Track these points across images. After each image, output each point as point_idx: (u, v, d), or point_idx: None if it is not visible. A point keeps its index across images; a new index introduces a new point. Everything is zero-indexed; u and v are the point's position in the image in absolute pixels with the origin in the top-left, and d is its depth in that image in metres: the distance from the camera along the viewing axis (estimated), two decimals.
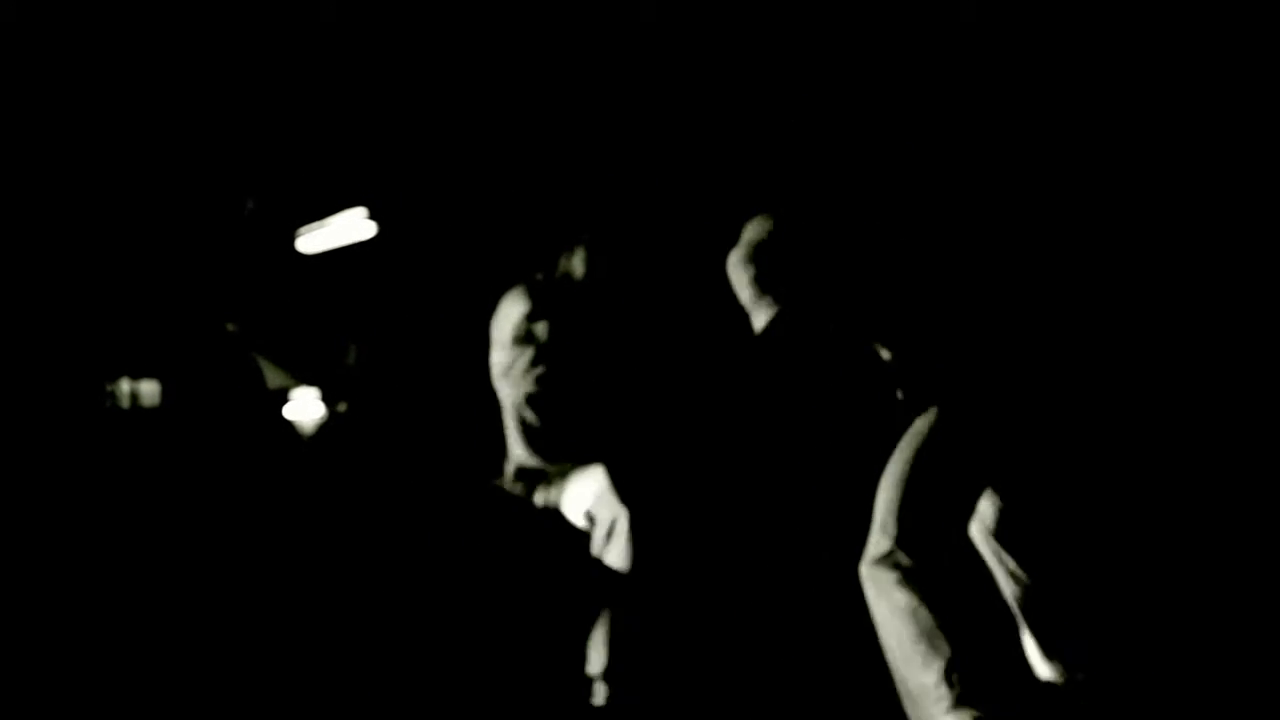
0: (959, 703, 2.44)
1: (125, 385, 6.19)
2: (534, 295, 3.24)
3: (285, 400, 7.10)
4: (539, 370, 3.30)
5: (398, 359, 7.24)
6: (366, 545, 5.16)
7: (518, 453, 3.36)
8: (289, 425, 7.02)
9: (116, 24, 5.51)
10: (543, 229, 6.13)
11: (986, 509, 2.63)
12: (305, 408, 7.17)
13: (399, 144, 6.67)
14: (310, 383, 7.25)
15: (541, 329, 3.26)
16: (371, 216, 7.17)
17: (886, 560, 2.51)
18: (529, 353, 3.30)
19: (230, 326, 6.82)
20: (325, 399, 7.21)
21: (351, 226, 7.25)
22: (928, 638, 2.42)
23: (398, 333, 7.30)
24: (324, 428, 7.12)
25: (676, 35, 4.85)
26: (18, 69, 5.65)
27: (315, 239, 7.45)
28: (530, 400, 3.33)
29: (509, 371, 3.34)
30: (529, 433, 3.33)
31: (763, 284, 2.57)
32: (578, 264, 3.34)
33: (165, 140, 6.58)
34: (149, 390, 6.24)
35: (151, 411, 6.17)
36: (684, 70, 4.92)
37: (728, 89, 4.74)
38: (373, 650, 3.50)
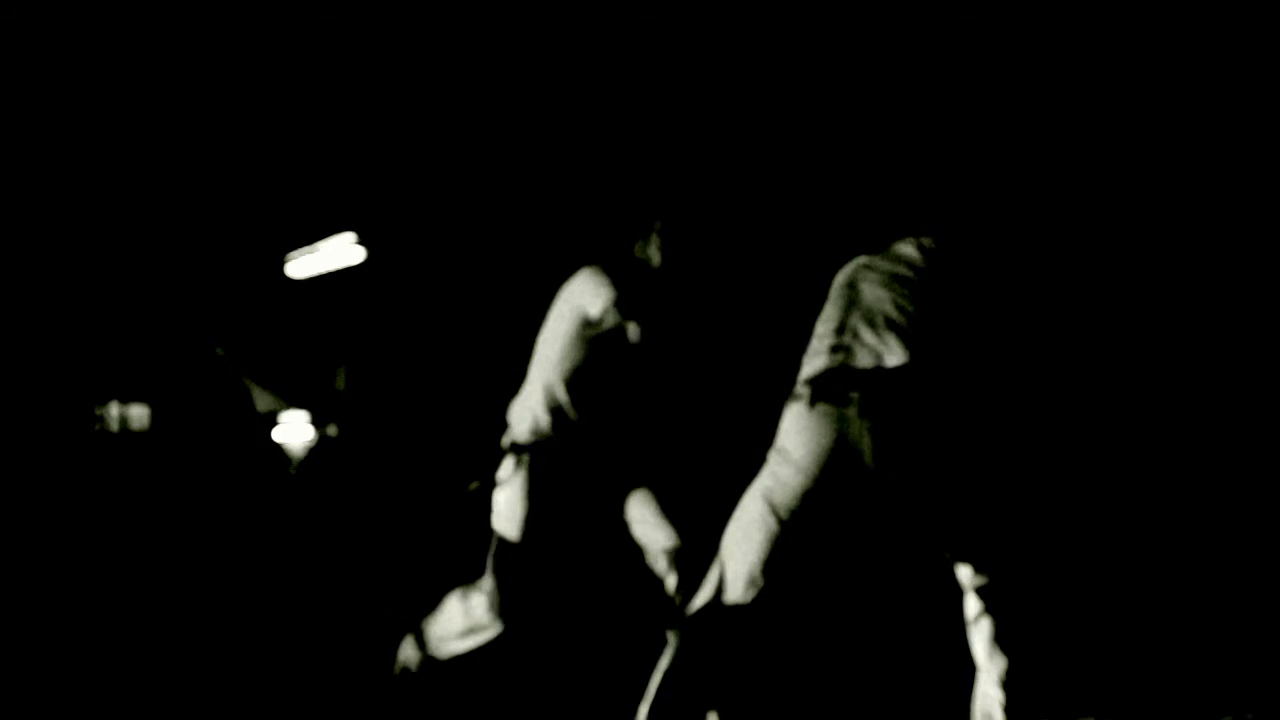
0: None
1: (115, 409, 6.19)
2: (617, 284, 3.14)
3: (274, 423, 7.12)
4: (593, 355, 3.23)
5: (387, 382, 7.27)
6: (358, 565, 5.18)
7: (522, 429, 3.26)
8: (278, 448, 7.02)
9: (105, 50, 5.55)
10: (532, 251, 6.17)
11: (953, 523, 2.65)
12: (294, 431, 7.18)
13: (388, 170, 6.71)
14: (299, 406, 7.27)
15: (612, 317, 3.18)
16: (361, 241, 7.20)
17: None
18: (590, 335, 3.22)
19: (220, 350, 6.84)
20: (314, 422, 7.22)
21: (341, 251, 7.29)
22: None
23: (387, 356, 7.32)
24: (313, 451, 7.13)
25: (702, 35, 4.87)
26: (10, 98, 5.69)
27: (304, 264, 7.49)
28: (570, 380, 3.24)
29: (563, 345, 3.24)
30: (553, 411, 3.24)
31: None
32: (654, 253, 3.27)
33: (155, 167, 6.62)
34: (138, 413, 6.24)
35: (141, 435, 6.18)
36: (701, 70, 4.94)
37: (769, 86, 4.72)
38: (361, 668, 3.51)
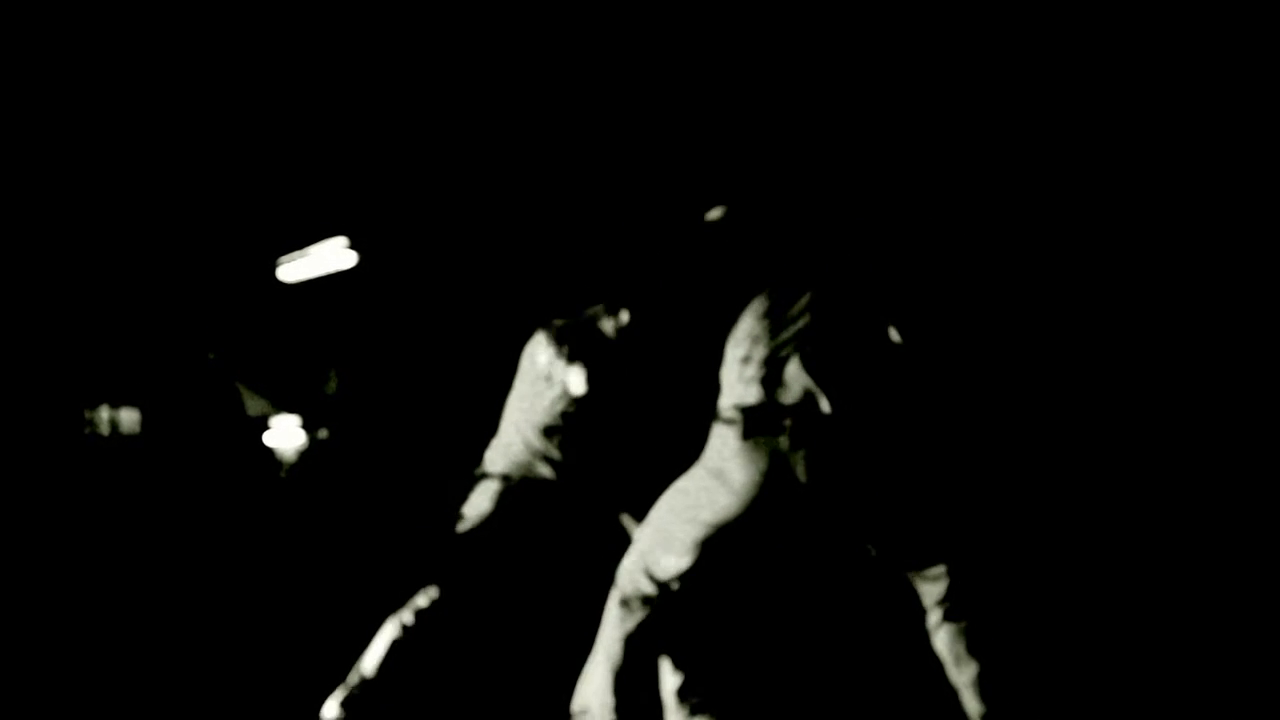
0: None
1: (105, 412, 6.19)
2: (565, 341, 3.34)
3: (266, 427, 7.12)
4: (560, 408, 3.41)
5: (378, 387, 7.27)
6: (349, 569, 5.18)
7: (499, 468, 3.42)
8: (269, 452, 7.03)
9: (98, 55, 5.56)
10: (523, 257, 6.19)
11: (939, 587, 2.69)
12: (286, 435, 7.18)
13: (380, 174, 6.72)
14: (291, 410, 7.27)
15: (559, 371, 3.35)
16: (352, 246, 7.22)
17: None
18: (553, 390, 3.40)
19: (211, 354, 6.84)
20: (306, 426, 7.23)
21: (332, 255, 7.30)
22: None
23: (378, 361, 7.33)
24: (305, 455, 7.13)
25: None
26: (3, 101, 5.70)
27: (296, 268, 7.50)
28: (536, 431, 3.42)
29: (529, 400, 3.43)
30: (521, 462, 3.41)
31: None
32: (606, 320, 3.44)
33: (148, 171, 6.62)
34: (129, 418, 6.24)
35: (132, 438, 6.18)
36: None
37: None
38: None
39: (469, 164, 6.33)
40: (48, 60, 5.51)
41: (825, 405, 2.53)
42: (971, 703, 2.56)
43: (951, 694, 2.62)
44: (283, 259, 7.53)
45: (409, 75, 5.82)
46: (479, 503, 3.35)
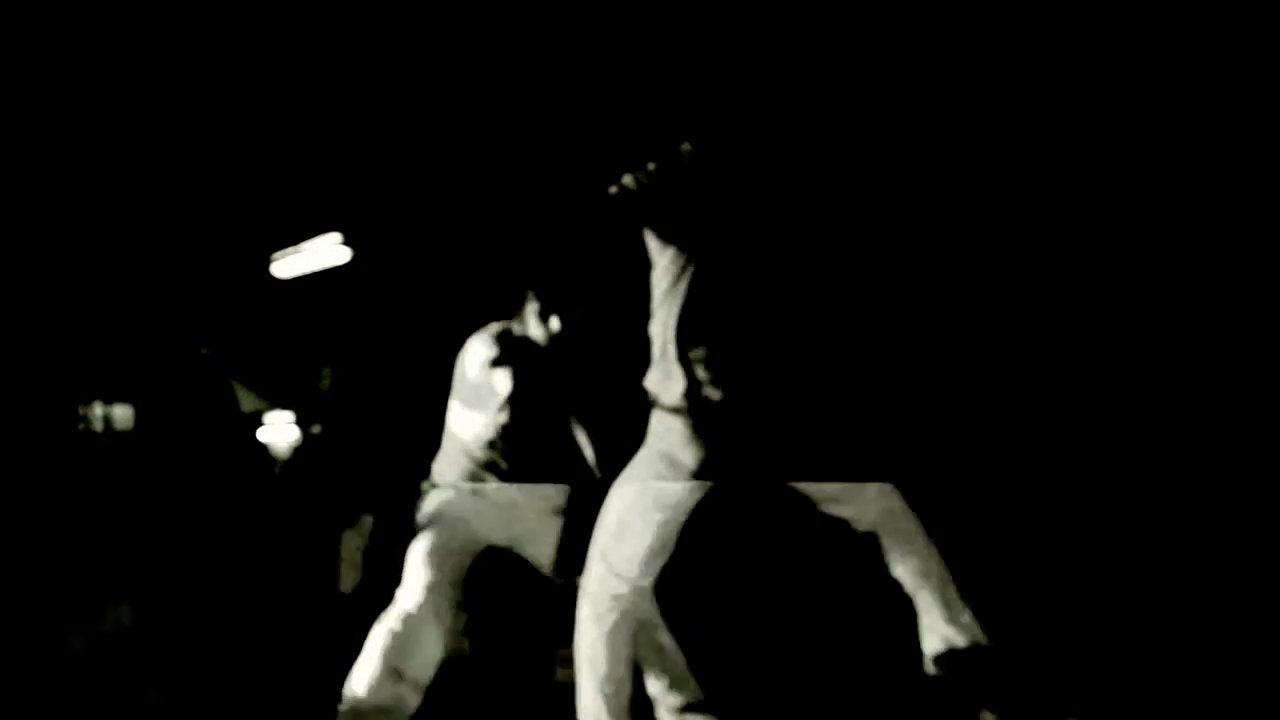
0: None
1: (99, 408, 6.19)
2: (497, 345, 3.37)
3: (259, 423, 7.12)
4: (496, 416, 3.43)
5: (372, 383, 7.27)
6: (342, 565, 5.19)
7: (448, 479, 3.47)
8: (262, 448, 7.03)
9: (89, 52, 5.55)
10: (513, 258, 6.19)
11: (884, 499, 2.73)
12: (279, 431, 7.18)
13: (374, 170, 6.72)
14: (284, 406, 7.27)
15: (501, 379, 3.37)
16: (346, 242, 7.21)
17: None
18: (490, 399, 3.42)
19: (205, 350, 6.84)
20: (299, 422, 7.23)
21: (326, 251, 7.30)
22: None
23: (372, 357, 7.33)
24: (298, 451, 7.13)
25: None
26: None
27: (290, 264, 7.49)
28: (489, 444, 3.45)
29: (464, 409, 3.46)
30: (467, 472, 3.45)
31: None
32: (535, 324, 3.45)
33: (140, 167, 6.61)
34: (122, 413, 6.24)
35: (125, 434, 6.18)
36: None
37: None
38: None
39: (462, 159, 6.33)
40: (43, 57, 5.50)
41: (761, 388, 2.59)
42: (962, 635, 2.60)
43: (937, 686, 2.65)
44: (277, 255, 7.52)
45: (403, 72, 5.82)
46: (431, 514, 3.39)
